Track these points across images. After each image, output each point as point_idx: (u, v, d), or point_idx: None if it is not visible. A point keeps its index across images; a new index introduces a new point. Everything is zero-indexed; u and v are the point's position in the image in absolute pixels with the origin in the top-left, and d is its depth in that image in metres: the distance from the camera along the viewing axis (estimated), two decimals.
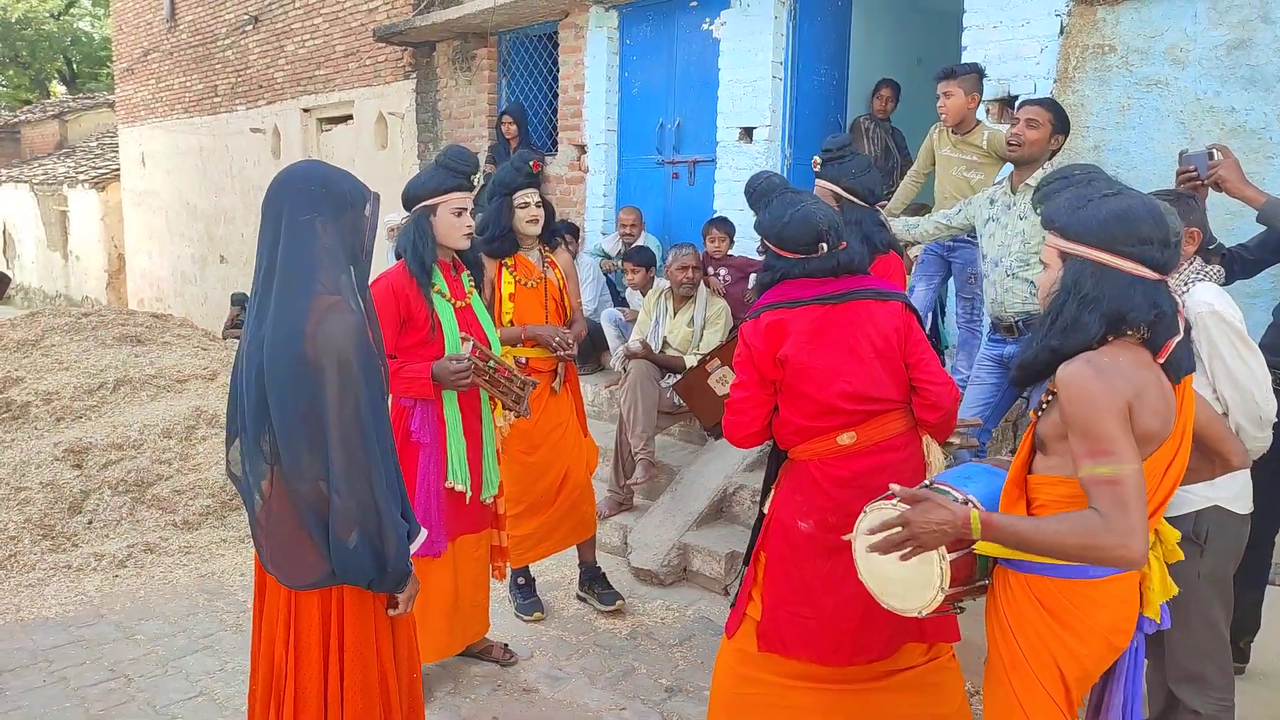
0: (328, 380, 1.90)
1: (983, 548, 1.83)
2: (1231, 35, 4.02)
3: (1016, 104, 3.60)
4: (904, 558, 1.85)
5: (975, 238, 3.76)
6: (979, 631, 3.08)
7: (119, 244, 15.09)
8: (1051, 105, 3.52)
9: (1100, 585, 1.78)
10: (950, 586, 1.86)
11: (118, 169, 14.81)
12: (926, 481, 2.03)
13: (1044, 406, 1.82)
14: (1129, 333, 1.73)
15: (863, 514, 1.99)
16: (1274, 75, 3.92)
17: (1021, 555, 1.79)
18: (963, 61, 4.74)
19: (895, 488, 1.94)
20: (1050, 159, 3.53)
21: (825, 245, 2.44)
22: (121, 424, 5.58)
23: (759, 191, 2.67)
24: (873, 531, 1.89)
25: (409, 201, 3.10)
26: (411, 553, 2.18)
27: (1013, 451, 3.24)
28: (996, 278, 3.52)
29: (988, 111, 4.64)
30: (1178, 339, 1.75)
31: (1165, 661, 2.38)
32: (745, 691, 2.52)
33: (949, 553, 1.85)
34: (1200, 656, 2.36)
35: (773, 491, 2.60)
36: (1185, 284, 2.42)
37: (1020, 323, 3.47)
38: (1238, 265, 3.10)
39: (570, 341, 3.60)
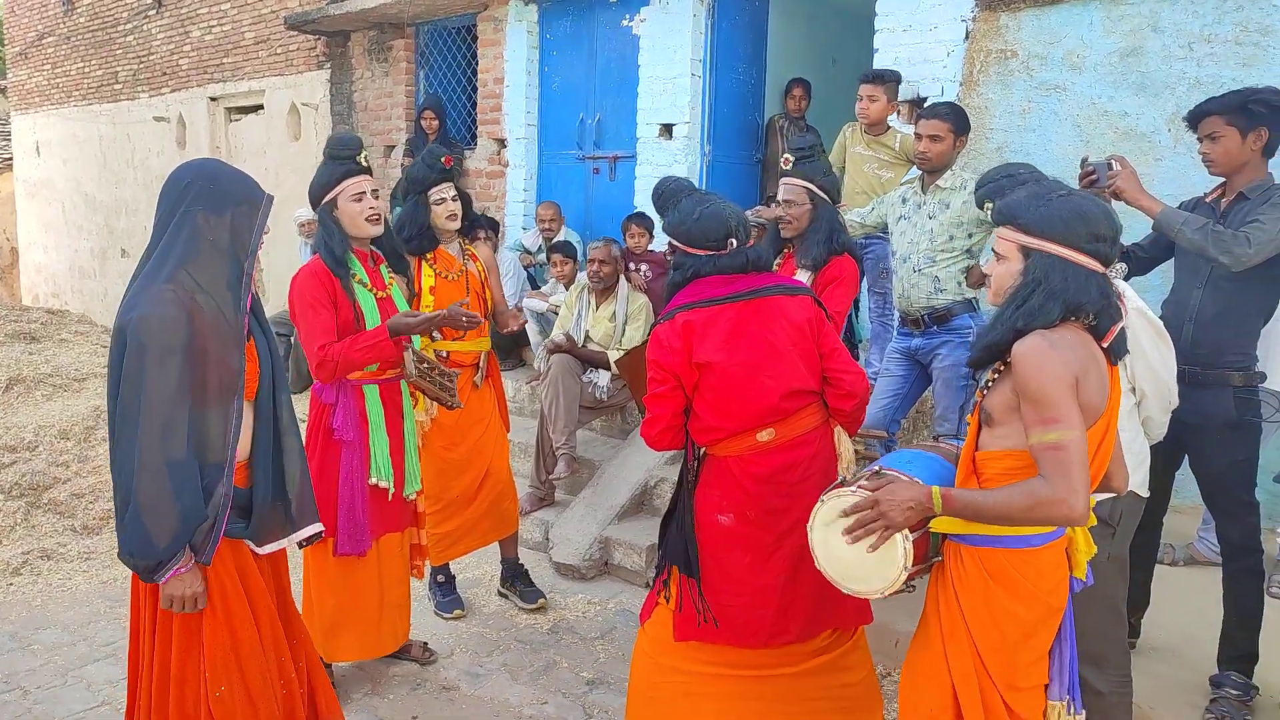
0: (124, 367, 1.97)
1: (940, 523, 1.95)
2: (1124, 43, 4.22)
3: (915, 116, 3.70)
4: (874, 546, 1.94)
5: (887, 234, 3.87)
6: (890, 615, 3.17)
7: (11, 237, 14.31)
8: (948, 114, 3.56)
9: (1041, 553, 1.93)
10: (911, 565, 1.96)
11: (9, 158, 14.05)
12: (875, 468, 2.10)
13: (990, 384, 1.96)
14: (1075, 319, 1.89)
15: (820, 503, 2.05)
16: (1163, 81, 4.14)
17: (973, 529, 1.93)
18: (875, 64, 4.87)
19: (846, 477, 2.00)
20: (955, 158, 3.65)
21: (734, 241, 2.48)
22: (15, 425, 5.32)
23: (667, 194, 2.71)
24: (845, 515, 1.97)
25: (313, 202, 3.13)
26: (302, 542, 2.29)
27: (935, 437, 3.36)
28: (904, 273, 3.63)
29: (898, 113, 4.77)
30: (1120, 325, 1.92)
31: None
32: (663, 680, 2.55)
33: (911, 532, 1.95)
34: (1103, 637, 2.47)
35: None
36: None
37: (926, 316, 3.58)
38: (1133, 262, 3.27)
39: (471, 312, 3.20)
